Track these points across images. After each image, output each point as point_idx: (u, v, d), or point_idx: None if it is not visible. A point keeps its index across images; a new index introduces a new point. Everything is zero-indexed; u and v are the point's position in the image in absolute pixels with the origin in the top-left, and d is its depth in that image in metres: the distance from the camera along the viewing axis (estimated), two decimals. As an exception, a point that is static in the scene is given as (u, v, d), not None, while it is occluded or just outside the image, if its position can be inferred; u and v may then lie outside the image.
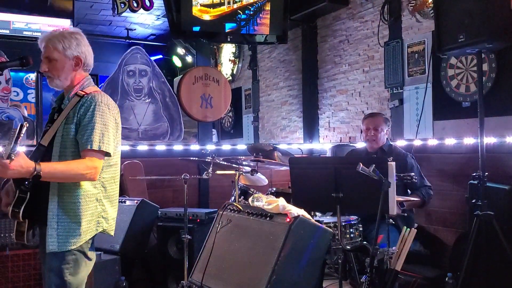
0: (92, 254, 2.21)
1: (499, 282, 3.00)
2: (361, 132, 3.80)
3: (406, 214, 3.25)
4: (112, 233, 2.26)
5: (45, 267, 2.14)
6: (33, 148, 2.18)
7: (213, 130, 6.24)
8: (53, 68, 2.17)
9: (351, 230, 3.11)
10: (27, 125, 1.91)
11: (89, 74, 2.30)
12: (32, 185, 2.04)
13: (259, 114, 6.80)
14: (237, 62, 7.26)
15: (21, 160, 1.87)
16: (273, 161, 3.93)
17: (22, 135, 1.87)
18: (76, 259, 2.11)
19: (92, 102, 2.12)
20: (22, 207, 2.04)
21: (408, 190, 3.51)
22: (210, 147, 4.71)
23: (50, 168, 1.98)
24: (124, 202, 3.77)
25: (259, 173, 3.73)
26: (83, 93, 2.17)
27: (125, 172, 4.21)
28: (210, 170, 3.39)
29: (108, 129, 2.13)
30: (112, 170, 2.22)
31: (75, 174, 2.04)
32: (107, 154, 2.13)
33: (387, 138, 3.76)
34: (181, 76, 4.96)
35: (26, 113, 6.43)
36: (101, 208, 2.17)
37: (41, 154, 2.12)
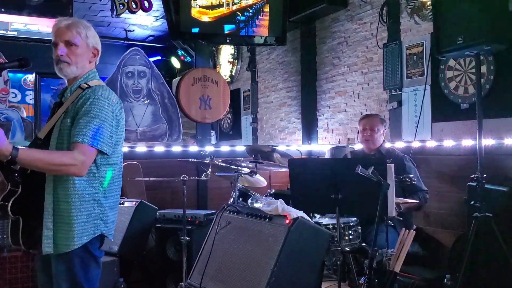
0: (101, 254, 2.11)
1: (497, 284, 3.00)
2: (358, 133, 3.84)
3: (401, 218, 3.25)
4: (111, 237, 2.14)
5: (52, 271, 2.02)
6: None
7: (211, 131, 6.23)
8: (72, 53, 2.07)
9: (350, 231, 3.12)
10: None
11: None
12: (25, 178, 1.94)
13: (258, 116, 6.80)
14: (236, 64, 7.26)
15: None
16: (272, 162, 3.93)
17: None
18: (83, 260, 2.01)
19: (92, 95, 2.01)
20: (11, 200, 1.93)
21: (406, 194, 3.50)
22: (209, 148, 4.71)
23: (29, 154, 1.84)
24: (123, 203, 3.77)
25: (258, 175, 3.73)
26: (86, 85, 2.08)
27: (124, 173, 4.19)
28: (209, 172, 3.39)
29: (104, 125, 1.99)
30: (112, 168, 2.10)
31: (56, 164, 1.89)
32: (102, 152, 2.00)
33: (384, 140, 3.78)
34: (180, 77, 4.96)
35: (25, 115, 6.42)
36: (99, 210, 2.04)
37: (38, 147, 2.01)
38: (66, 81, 2.18)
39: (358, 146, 4.43)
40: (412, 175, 3.23)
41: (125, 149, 4.37)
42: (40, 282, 2.17)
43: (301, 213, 2.66)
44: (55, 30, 2.11)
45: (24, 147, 1.86)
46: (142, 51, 4.88)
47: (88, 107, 1.98)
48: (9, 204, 1.93)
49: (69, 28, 2.08)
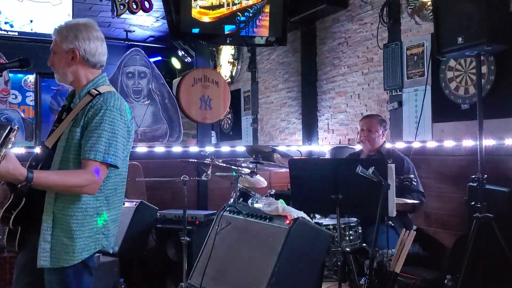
0: (95, 261, 2.03)
1: (498, 285, 3.00)
2: (358, 134, 3.85)
3: (392, 223, 3.23)
4: (111, 250, 2.05)
5: (45, 279, 1.95)
6: (32, 150, 2.11)
7: (212, 131, 6.23)
8: (54, 61, 2.02)
9: (351, 232, 3.11)
10: (17, 128, 1.75)
11: None
12: (28, 190, 1.87)
13: (258, 116, 6.80)
14: (236, 64, 7.26)
15: (9, 164, 1.70)
16: (272, 163, 3.93)
17: (11, 138, 1.70)
18: (78, 270, 1.93)
19: (103, 105, 1.90)
20: (15, 213, 1.88)
21: (404, 192, 3.47)
22: (209, 148, 4.70)
23: (43, 178, 1.80)
24: (123, 203, 3.76)
25: (258, 175, 3.73)
26: (96, 92, 1.97)
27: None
28: (209, 172, 3.39)
29: (117, 138, 1.91)
30: (116, 180, 2.01)
31: (71, 186, 1.85)
32: (114, 166, 1.92)
33: (384, 141, 3.77)
34: (180, 78, 4.96)
35: (23, 115, 6.43)
36: (101, 224, 1.95)
37: (45, 156, 1.96)
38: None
39: (359, 147, 4.42)
40: (412, 176, 3.22)
41: (125, 149, 4.37)
42: (20, 283, 2.07)
43: (301, 214, 2.66)
44: None
45: (39, 170, 1.83)
46: (143, 52, 4.89)
47: (100, 119, 1.88)
48: (12, 217, 1.89)
49: (53, 35, 2.04)
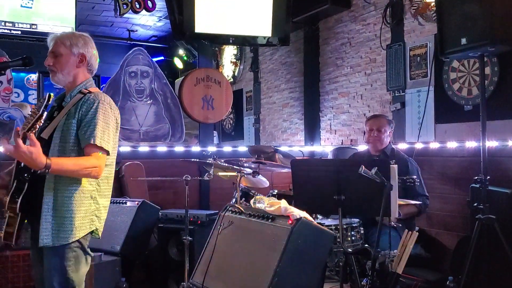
0: (90, 252, 2.24)
1: (500, 286, 2.99)
2: (364, 133, 3.81)
3: (400, 225, 3.24)
4: (100, 235, 2.25)
5: (45, 265, 2.13)
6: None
7: (214, 131, 6.23)
8: (58, 62, 2.23)
9: (353, 233, 3.11)
10: (52, 96, 1.99)
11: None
12: (30, 177, 2.07)
13: (260, 116, 6.80)
14: (239, 64, 7.26)
15: (34, 149, 1.88)
16: (274, 163, 3.93)
17: (43, 115, 1.93)
18: (77, 255, 2.14)
19: (96, 100, 2.16)
20: (20, 198, 2.05)
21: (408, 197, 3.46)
22: (211, 148, 4.70)
23: (59, 164, 2.01)
24: (125, 203, 3.77)
25: (260, 175, 3.72)
26: (86, 91, 2.23)
27: (126, 173, 4.20)
28: (211, 172, 3.39)
29: (109, 128, 2.17)
30: (107, 169, 2.23)
31: (81, 170, 2.07)
32: (106, 152, 2.16)
33: (389, 141, 3.76)
34: (182, 77, 4.96)
35: (25, 113, 6.43)
36: (95, 206, 2.19)
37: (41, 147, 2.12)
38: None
39: (362, 147, 4.42)
40: (415, 176, 3.21)
41: (127, 148, 4.39)
42: (36, 276, 2.28)
43: (304, 214, 2.66)
44: (48, 44, 2.30)
45: (55, 157, 2.04)
46: (145, 51, 4.88)
47: (94, 111, 2.14)
48: (18, 202, 2.04)
49: (55, 40, 2.26)
